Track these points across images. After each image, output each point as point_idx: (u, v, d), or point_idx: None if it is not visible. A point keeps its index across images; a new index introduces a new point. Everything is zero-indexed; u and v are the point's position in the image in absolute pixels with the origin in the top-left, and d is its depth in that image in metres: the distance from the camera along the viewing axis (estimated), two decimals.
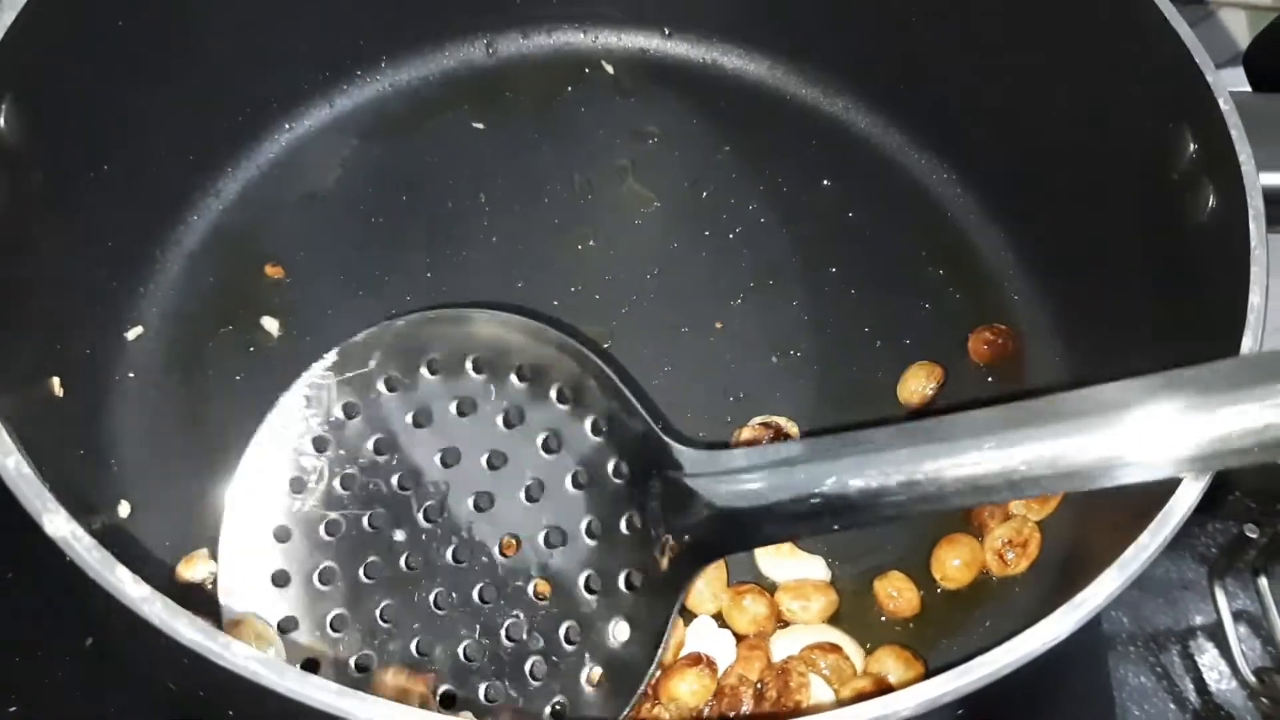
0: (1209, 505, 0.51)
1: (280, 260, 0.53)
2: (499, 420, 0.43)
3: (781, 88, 0.61)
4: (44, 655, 0.45)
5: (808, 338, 0.53)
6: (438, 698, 0.39)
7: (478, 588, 0.41)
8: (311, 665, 0.39)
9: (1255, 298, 0.38)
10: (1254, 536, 0.48)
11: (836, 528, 0.37)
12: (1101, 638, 0.50)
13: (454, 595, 0.41)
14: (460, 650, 0.40)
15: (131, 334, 0.50)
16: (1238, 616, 0.48)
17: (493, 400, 0.43)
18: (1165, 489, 0.35)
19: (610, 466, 0.42)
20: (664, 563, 0.40)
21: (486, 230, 0.55)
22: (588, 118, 0.59)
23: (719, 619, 0.45)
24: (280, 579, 0.41)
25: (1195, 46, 0.43)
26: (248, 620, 0.40)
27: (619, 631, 0.40)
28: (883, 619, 0.46)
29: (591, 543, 0.41)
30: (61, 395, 0.44)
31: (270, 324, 0.51)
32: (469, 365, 0.43)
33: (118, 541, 0.43)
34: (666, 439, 0.41)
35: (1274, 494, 0.52)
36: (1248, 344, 0.37)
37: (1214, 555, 0.51)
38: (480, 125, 0.59)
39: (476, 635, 0.40)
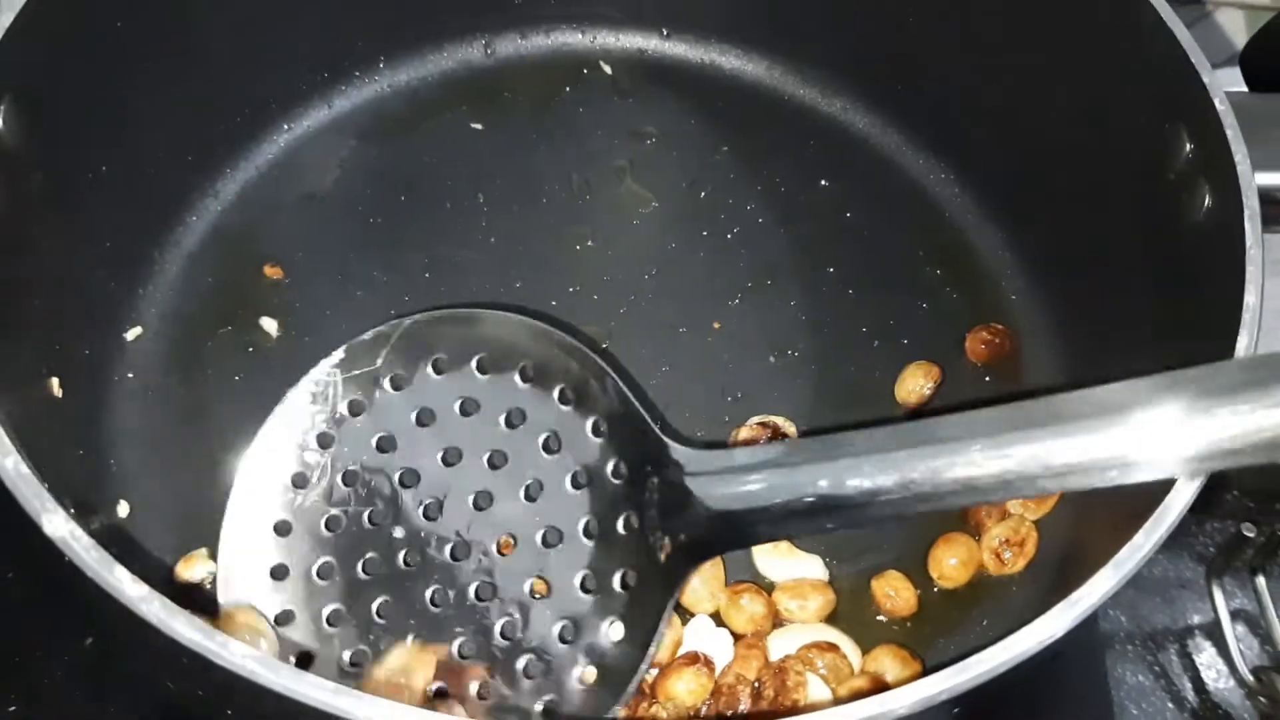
0: (1207, 504, 0.52)
1: (279, 261, 0.53)
2: (501, 420, 0.43)
3: (779, 88, 0.61)
4: (44, 655, 0.45)
5: (805, 337, 0.53)
6: (432, 691, 0.39)
7: (474, 586, 0.41)
8: (305, 660, 0.39)
9: (1250, 297, 0.38)
10: (1251, 535, 0.48)
11: (831, 526, 0.38)
12: (1099, 636, 0.50)
13: (450, 593, 0.41)
14: (455, 648, 0.40)
15: (130, 334, 0.50)
16: (1235, 615, 0.48)
17: (496, 400, 0.43)
18: (1162, 488, 0.35)
19: (609, 467, 0.42)
20: (659, 562, 0.40)
21: (485, 230, 0.55)
22: (586, 118, 0.59)
23: (717, 618, 0.45)
24: (279, 572, 0.41)
25: (1191, 46, 0.43)
26: (242, 610, 0.40)
27: (613, 631, 0.40)
28: (880, 618, 0.46)
29: (588, 543, 0.41)
30: (61, 395, 0.44)
31: (269, 324, 0.51)
32: (474, 365, 0.44)
33: (117, 541, 0.43)
34: (666, 439, 0.41)
35: (1272, 493, 0.52)
36: (1243, 343, 0.37)
37: (1212, 554, 0.51)
38: (478, 126, 0.59)
39: (471, 633, 0.40)
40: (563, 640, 0.40)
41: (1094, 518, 0.44)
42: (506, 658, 0.40)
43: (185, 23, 0.50)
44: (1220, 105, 0.42)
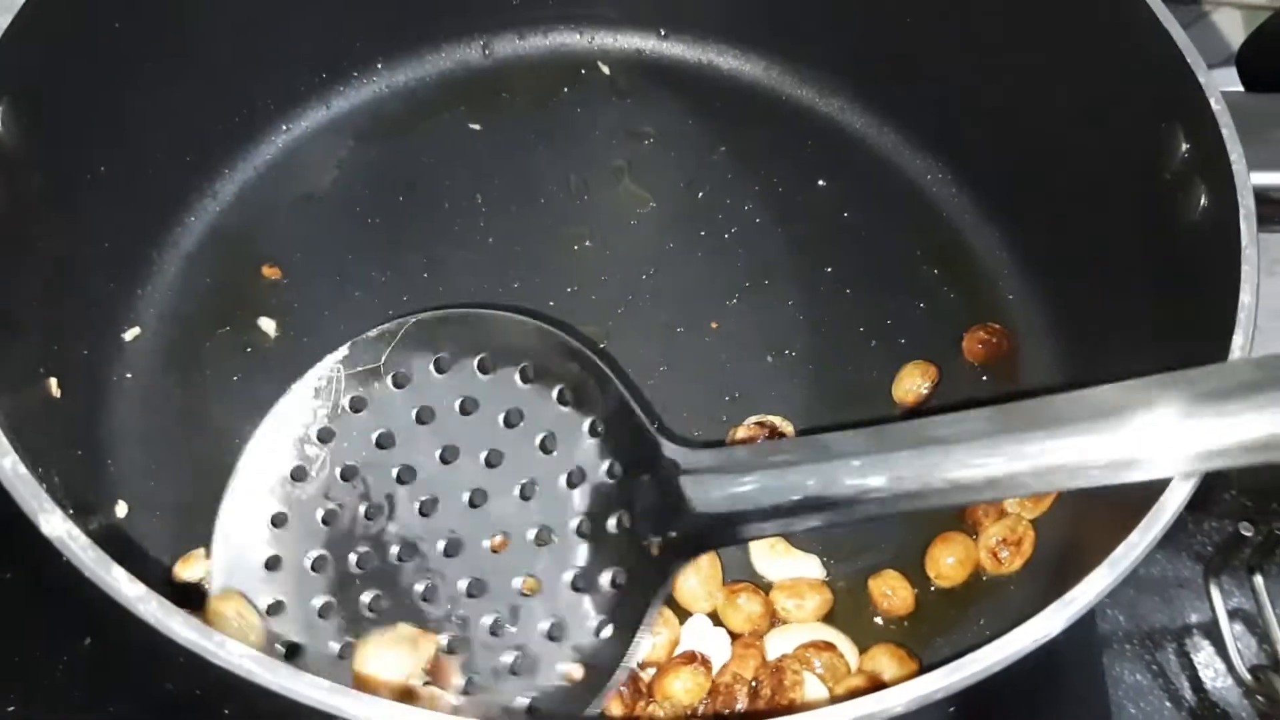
0: (1204, 504, 0.52)
1: (277, 261, 0.53)
2: (500, 420, 0.43)
3: (777, 88, 0.61)
4: (42, 655, 0.45)
5: (803, 337, 0.53)
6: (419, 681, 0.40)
7: (465, 582, 0.41)
8: (294, 651, 0.40)
9: (1246, 297, 0.38)
10: (1249, 535, 0.48)
11: (820, 523, 0.38)
12: (1097, 636, 0.50)
13: (441, 589, 0.41)
14: (443, 642, 0.40)
15: (129, 335, 0.50)
16: (1233, 614, 0.48)
17: (495, 400, 0.43)
18: (1158, 487, 0.35)
19: (604, 467, 0.42)
20: (650, 559, 0.40)
21: (483, 231, 0.55)
22: (584, 118, 0.59)
23: (714, 618, 0.45)
24: (272, 563, 0.41)
25: (1187, 46, 0.43)
26: (230, 596, 0.40)
27: (602, 629, 0.40)
28: (877, 618, 0.46)
29: (580, 541, 0.41)
30: (59, 396, 0.44)
31: (267, 325, 0.52)
32: (475, 365, 0.44)
33: (115, 542, 0.43)
34: (660, 439, 0.42)
35: (1269, 492, 0.52)
36: (1238, 342, 0.38)
37: (1209, 553, 0.51)
38: (477, 126, 0.59)
39: (460, 628, 0.40)
40: (551, 638, 0.40)
41: (1091, 517, 0.44)
42: (493, 653, 0.40)
43: (183, 24, 0.50)
44: (1216, 105, 0.42)
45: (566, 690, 0.39)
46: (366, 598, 0.41)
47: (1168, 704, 0.49)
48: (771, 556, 0.47)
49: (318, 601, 0.40)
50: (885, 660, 0.44)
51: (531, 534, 0.42)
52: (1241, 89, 0.56)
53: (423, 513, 0.42)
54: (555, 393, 0.43)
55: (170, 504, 0.46)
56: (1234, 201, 0.40)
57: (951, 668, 0.32)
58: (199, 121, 0.53)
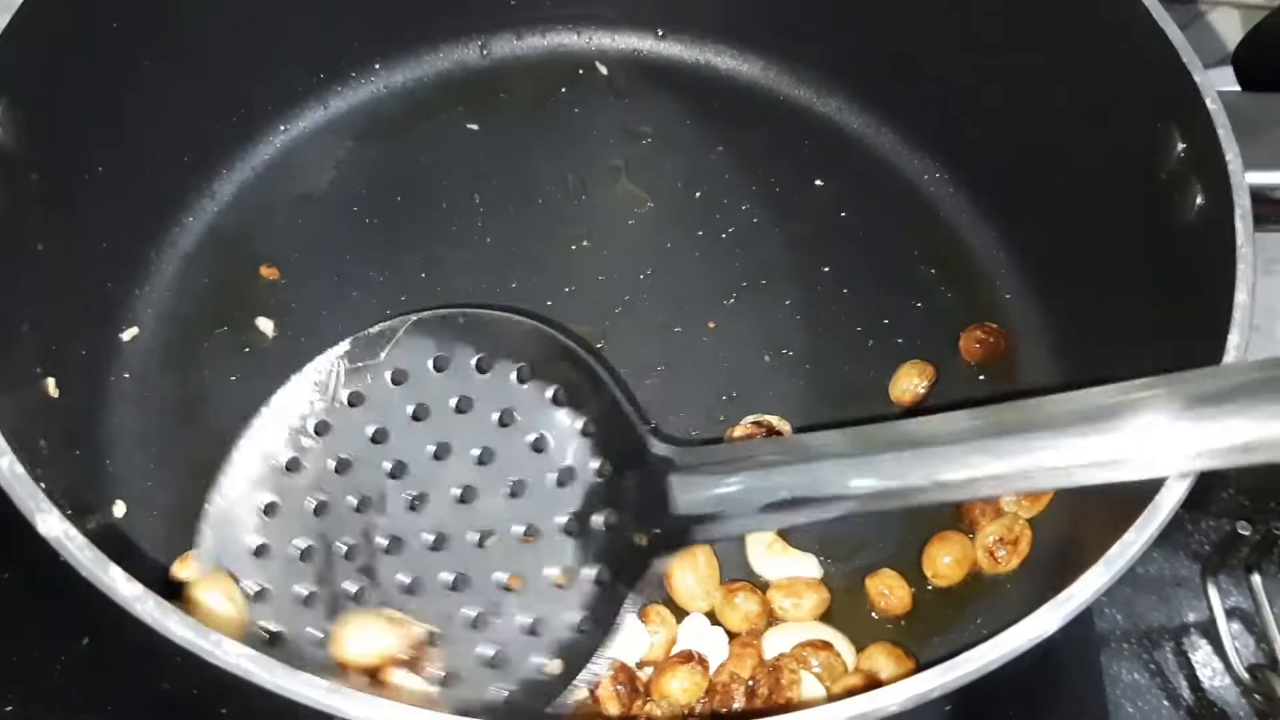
0: (1202, 502, 0.52)
1: (275, 261, 0.53)
2: (494, 419, 0.44)
3: (775, 88, 0.61)
4: (40, 655, 0.45)
5: (801, 337, 0.53)
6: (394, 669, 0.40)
7: (450, 576, 0.41)
8: (274, 639, 0.40)
9: (1242, 296, 0.38)
10: (1247, 534, 0.48)
11: (804, 520, 0.39)
12: (1095, 634, 0.50)
13: (426, 582, 0.41)
14: (424, 633, 0.40)
15: (127, 335, 0.50)
16: (1231, 614, 0.48)
17: (491, 399, 0.44)
18: (1155, 486, 0.35)
19: (594, 466, 0.42)
20: (634, 556, 0.41)
21: (481, 231, 0.55)
22: (581, 118, 0.59)
23: (711, 617, 0.45)
24: (260, 551, 0.42)
25: (1183, 45, 0.43)
26: (222, 576, 0.40)
27: (582, 624, 0.41)
28: (874, 616, 0.46)
29: (566, 539, 0.42)
30: (57, 396, 0.44)
31: (265, 325, 0.52)
32: (474, 364, 0.44)
33: (113, 542, 0.43)
34: (649, 438, 0.42)
35: (1267, 491, 0.52)
36: (1234, 341, 0.38)
37: (1207, 552, 0.51)
38: (474, 126, 0.59)
39: (441, 620, 0.41)
40: (531, 632, 0.41)
41: (1088, 516, 0.44)
42: (473, 646, 0.40)
43: (181, 24, 0.50)
44: (1212, 104, 0.42)
45: (543, 683, 0.39)
46: (350, 588, 0.41)
47: (1165, 703, 0.49)
48: (769, 556, 0.47)
49: (302, 590, 0.41)
50: (882, 659, 0.44)
51: (518, 531, 0.42)
52: (1238, 88, 0.56)
53: (412, 508, 0.42)
54: (550, 393, 0.44)
55: (168, 504, 0.46)
56: (1230, 201, 0.40)
57: (946, 666, 0.32)
58: (197, 121, 0.53)
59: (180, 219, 0.54)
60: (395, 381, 0.44)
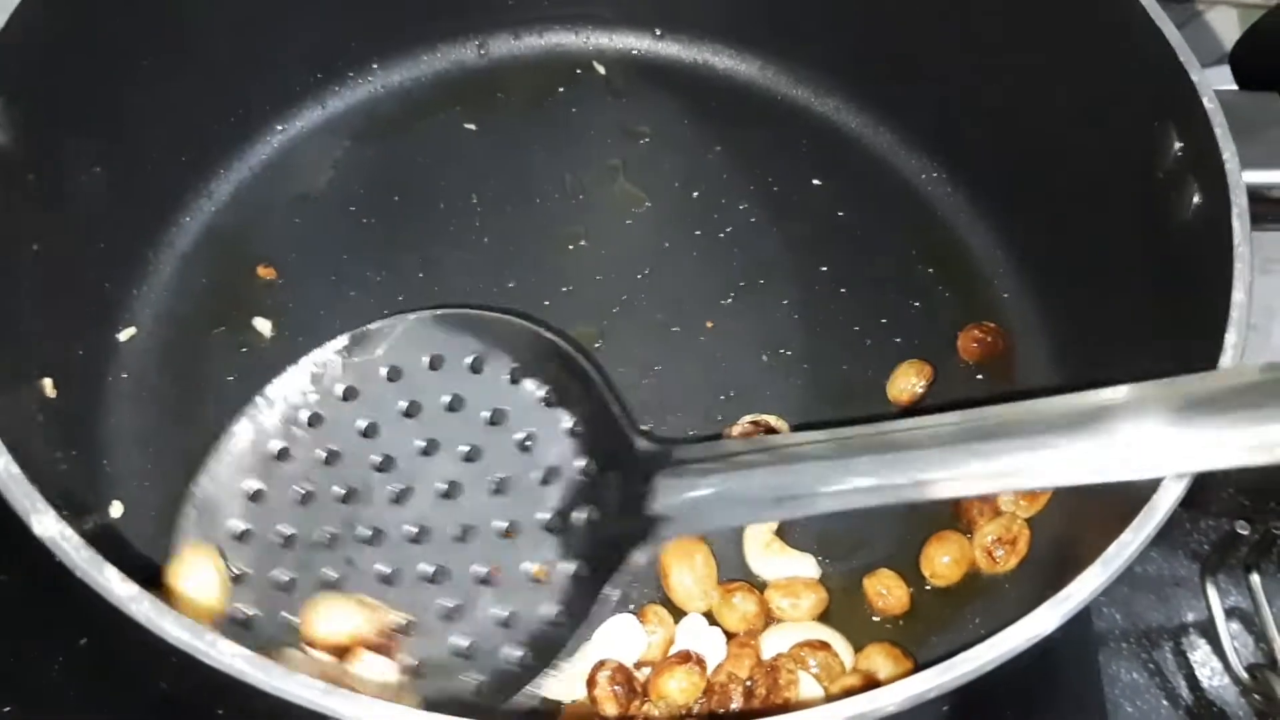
0: (1201, 502, 0.52)
1: (272, 261, 0.53)
2: (483, 417, 0.44)
3: (772, 88, 0.61)
4: (39, 656, 0.45)
5: (798, 336, 0.53)
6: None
7: (428, 568, 0.42)
8: (248, 622, 0.40)
9: (1239, 295, 0.38)
10: (1245, 533, 0.48)
11: (780, 517, 0.40)
12: (1093, 634, 0.50)
13: (404, 572, 0.42)
14: (396, 620, 0.41)
15: (124, 335, 0.50)
16: (1230, 613, 0.48)
17: (482, 398, 0.44)
18: (1152, 486, 0.35)
19: (579, 465, 0.43)
20: (610, 550, 0.41)
21: (478, 231, 0.55)
22: (579, 118, 0.59)
23: (709, 617, 0.45)
24: (243, 536, 0.42)
25: (1180, 44, 0.43)
26: (208, 548, 0.40)
27: (556, 618, 0.41)
28: (872, 617, 0.46)
29: (546, 535, 0.42)
30: (54, 396, 0.44)
31: (262, 325, 0.52)
32: (468, 364, 0.45)
33: (110, 542, 0.44)
34: (635, 437, 0.43)
35: (1266, 491, 0.51)
36: (1231, 340, 0.38)
37: (1206, 552, 0.51)
38: (472, 126, 0.59)
39: (415, 609, 0.41)
40: (504, 625, 0.41)
41: (1086, 515, 0.44)
42: (445, 636, 0.40)
43: (179, 24, 0.50)
44: (1209, 103, 0.42)
45: (513, 673, 0.40)
46: (330, 575, 0.41)
47: (1164, 702, 0.49)
48: (766, 556, 0.47)
49: (280, 576, 0.41)
50: (880, 659, 0.44)
51: (499, 526, 0.42)
52: (1236, 88, 0.56)
53: (396, 500, 0.43)
54: (541, 394, 0.44)
55: (166, 504, 0.46)
56: (1227, 200, 0.40)
57: (943, 667, 0.32)
58: (195, 121, 0.53)
59: (178, 219, 0.54)
60: (390, 378, 0.45)
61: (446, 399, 0.44)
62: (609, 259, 0.55)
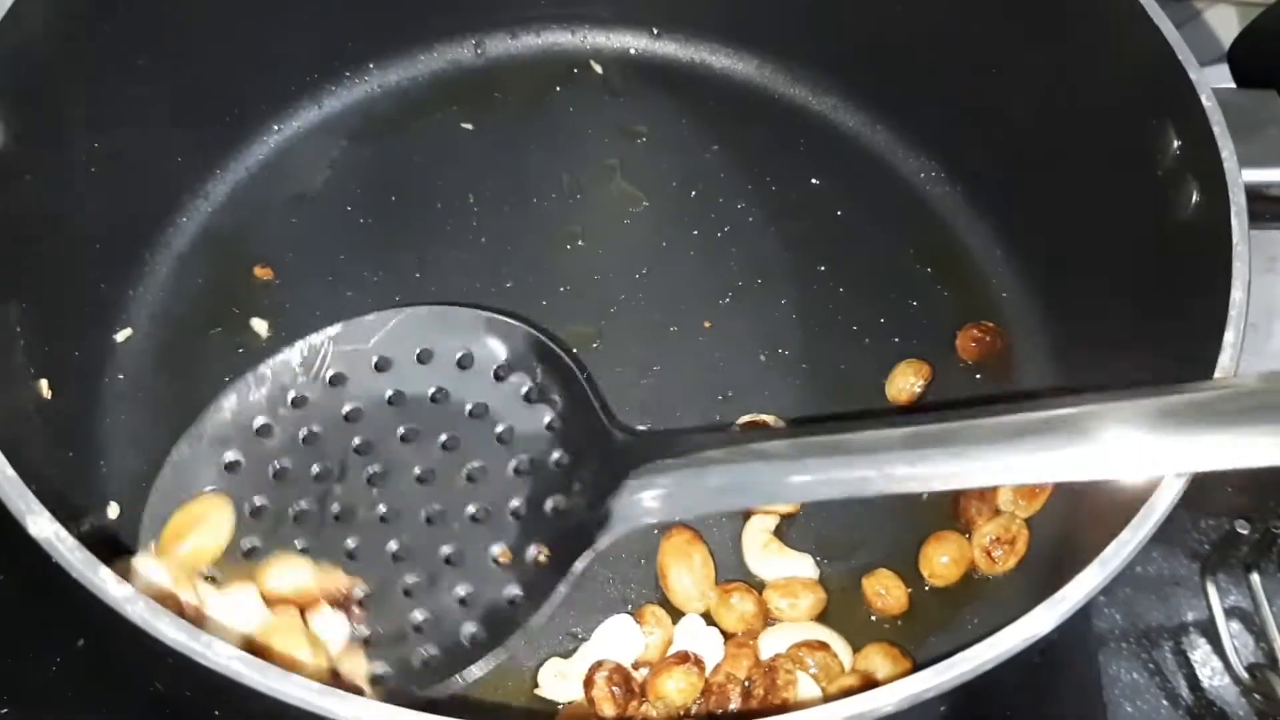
0: (1201, 501, 0.52)
1: (269, 262, 0.53)
2: (465, 410, 0.45)
3: (770, 87, 0.61)
4: (36, 657, 0.45)
5: (796, 336, 0.53)
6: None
7: (393, 546, 0.42)
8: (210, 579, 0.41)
9: (1237, 293, 0.38)
10: (1246, 533, 0.48)
11: (742, 505, 0.44)
12: (1093, 634, 0.50)
13: (369, 549, 0.42)
14: (357, 591, 0.42)
15: (120, 336, 0.50)
16: (1230, 613, 0.48)
17: (465, 392, 0.45)
18: (1151, 486, 0.35)
19: (554, 457, 0.44)
20: (576, 537, 0.41)
21: (475, 230, 0.55)
22: (576, 118, 0.59)
23: (707, 617, 0.45)
24: None
25: (1178, 43, 0.43)
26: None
27: (515, 600, 0.41)
28: (871, 617, 0.46)
29: (514, 521, 0.43)
30: (50, 397, 0.44)
31: (259, 325, 0.51)
32: (456, 360, 0.46)
33: (107, 543, 0.44)
34: (612, 431, 0.44)
35: (1266, 490, 0.51)
36: (1230, 340, 0.38)
37: (1206, 551, 0.51)
38: (469, 126, 0.59)
39: (377, 584, 0.42)
40: (462, 603, 0.41)
41: (1085, 515, 0.44)
42: (404, 611, 0.41)
43: (175, 24, 0.50)
44: (1207, 102, 0.42)
45: (465, 650, 0.40)
46: (296, 546, 0.42)
47: (1164, 702, 0.49)
48: (765, 556, 0.46)
49: (248, 543, 0.42)
50: (879, 659, 0.44)
51: (469, 511, 0.43)
52: (1234, 86, 0.56)
53: (370, 482, 0.44)
54: (524, 391, 0.45)
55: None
56: (1225, 198, 0.40)
57: (941, 667, 0.32)
58: (190, 122, 0.53)
59: (174, 219, 0.54)
60: (379, 368, 0.46)
61: (431, 391, 0.45)
62: (607, 258, 0.55)
